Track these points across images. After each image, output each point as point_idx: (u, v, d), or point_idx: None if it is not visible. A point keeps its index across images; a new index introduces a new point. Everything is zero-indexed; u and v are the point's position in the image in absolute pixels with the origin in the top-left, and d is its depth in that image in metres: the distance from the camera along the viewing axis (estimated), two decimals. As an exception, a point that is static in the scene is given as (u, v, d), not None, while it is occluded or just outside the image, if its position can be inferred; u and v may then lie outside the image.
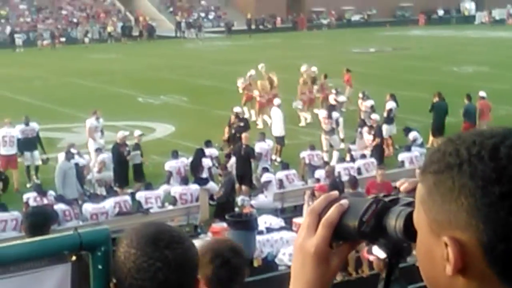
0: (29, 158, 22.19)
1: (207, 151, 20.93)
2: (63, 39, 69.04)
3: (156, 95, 36.66)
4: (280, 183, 19.66)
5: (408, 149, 21.99)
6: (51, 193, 17.73)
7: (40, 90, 39.47)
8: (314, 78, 30.66)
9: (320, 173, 19.40)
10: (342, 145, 24.08)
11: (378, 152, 22.07)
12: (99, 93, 37.47)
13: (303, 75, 30.67)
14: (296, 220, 16.75)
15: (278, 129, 24.52)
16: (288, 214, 18.66)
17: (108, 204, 17.38)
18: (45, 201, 16.87)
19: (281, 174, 19.98)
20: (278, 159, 23.27)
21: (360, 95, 26.70)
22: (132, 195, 18.55)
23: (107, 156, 20.88)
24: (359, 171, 20.38)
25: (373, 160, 21.34)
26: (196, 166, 20.07)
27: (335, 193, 1.76)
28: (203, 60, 51.38)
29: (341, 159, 21.71)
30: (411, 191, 1.68)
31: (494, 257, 1.41)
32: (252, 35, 72.61)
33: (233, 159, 21.07)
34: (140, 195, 18.14)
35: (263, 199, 19.07)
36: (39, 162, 22.19)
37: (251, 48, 58.41)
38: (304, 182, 20.27)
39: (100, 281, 2.66)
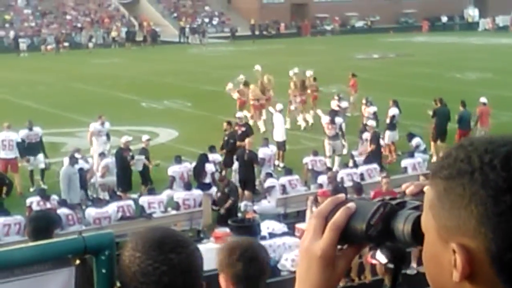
0: (33, 163, 22.21)
1: (211, 156, 20.92)
2: (67, 44, 69.10)
3: (160, 100, 36.68)
4: (283, 189, 19.65)
5: (411, 155, 21.96)
6: (54, 197, 17.75)
7: (44, 94, 39.51)
8: (303, 81, 30.77)
9: (323, 179, 19.39)
10: (345, 151, 24.06)
11: (375, 158, 22.05)
12: (103, 98, 37.49)
13: (292, 79, 30.80)
14: (299, 225, 16.73)
15: (279, 134, 24.52)
16: (291, 219, 18.64)
17: (111, 208, 17.38)
18: (48, 206, 16.87)
19: (284, 180, 19.97)
20: (281, 165, 23.26)
21: (364, 101, 26.72)
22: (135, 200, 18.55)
23: (110, 160, 20.89)
24: (362, 177, 20.36)
25: (376, 166, 21.32)
26: (199, 171, 20.07)
27: (342, 196, 1.75)
28: (206, 65, 51.40)
29: (344, 165, 21.70)
30: (417, 194, 1.68)
31: (502, 265, 1.41)
32: (255, 41, 72.62)
33: (236, 164, 21.07)
34: (143, 200, 18.13)
35: (266, 204, 19.06)
36: (43, 166, 22.20)
37: (254, 54, 58.39)
38: (307, 187, 20.26)
39: (104, 285, 2.66)
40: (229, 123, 23.31)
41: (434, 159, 23.69)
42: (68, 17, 78.21)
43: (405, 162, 21.63)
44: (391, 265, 1.57)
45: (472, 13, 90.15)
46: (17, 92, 40.42)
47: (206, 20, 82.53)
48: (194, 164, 20.40)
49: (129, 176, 20.69)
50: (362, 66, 46.14)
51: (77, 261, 2.75)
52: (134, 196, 19.36)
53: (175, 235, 2.66)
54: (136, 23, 78.65)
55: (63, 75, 48.17)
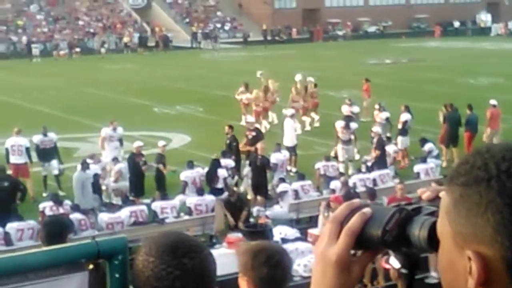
0: (47, 168, 22.29)
1: (223, 161, 20.93)
2: (79, 50, 69.32)
3: (172, 105, 36.74)
4: (296, 194, 19.63)
5: (424, 160, 21.92)
6: (67, 202, 17.79)
7: (56, 100, 39.63)
8: (306, 87, 30.86)
9: (335, 184, 19.36)
10: (357, 156, 24.03)
11: (380, 164, 22.04)
12: (115, 103, 37.58)
13: (296, 84, 30.89)
14: (311, 231, 16.70)
15: (289, 139, 24.53)
16: (303, 225, 18.62)
17: (124, 213, 17.40)
18: (61, 211, 16.91)
19: (296, 185, 19.95)
20: (293, 170, 23.25)
21: (377, 106, 26.70)
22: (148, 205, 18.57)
23: (123, 166, 20.93)
24: (374, 182, 20.32)
25: (388, 171, 21.30)
26: (211, 176, 20.08)
27: (358, 201, 1.74)
28: (219, 70, 51.47)
29: (357, 170, 21.69)
30: (433, 200, 1.67)
31: None
32: (267, 46, 72.69)
33: (248, 169, 21.08)
34: (156, 205, 18.14)
35: (279, 209, 19.04)
36: (56, 172, 22.25)
37: (266, 59, 58.46)
38: (319, 193, 20.24)
39: (117, 289, 2.66)
40: (230, 126, 23.35)
41: (444, 164, 23.70)
42: (80, 22, 78.46)
43: (418, 168, 21.59)
44: (404, 271, 1.57)
45: (484, 18, 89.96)
46: (30, 97, 40.57)
47: (218, 25, 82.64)
48: (206, 169, 20.42)
49: (141, 181, 20.75)
50: (374, 71, 46.08)
51: (91, 266, 2.75)
52: (147, 201, 19.38)
53: (188, 240, 2.66)
54: (148, 29, 78.83)
55: (76, 80, 48.31)
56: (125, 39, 73.45)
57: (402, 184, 17.67)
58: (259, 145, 21.54)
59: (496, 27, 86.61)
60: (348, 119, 25.05)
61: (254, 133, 23.40)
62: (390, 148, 22.78)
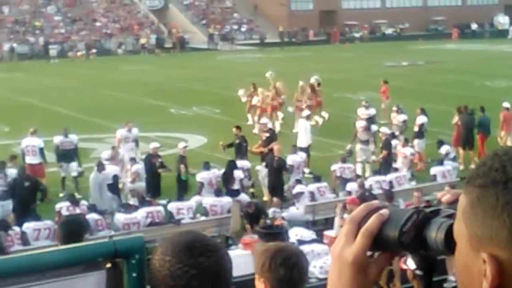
0: (66, 169, 22.40)
1: (239, 163, 20.94)
2: (96, 51, 69.54)
3: (189, 106, 36.79)
4: (312, 196, 19.61)
5: (441, 163, 21.85)
6: (84, 202, 17.85)
7: (74, 100, 39.77)
8: (313, 85, 31.02)
9: (351, 186, 19.34)
10: (374, 158, 23.99)
11: (386, 165, 22.02)
12: (132, 104, 37.67)
13: (305, 84, 31.23)
14: (327, 232, 16.69)
15: (303, 140, 24.51)
16: (319, 226, 18.61)
17: (140, 214, 17.44)
18: (78, 211, 16.96)
19: (312, 187, 19.94)
20: (307, 171, 23.21)
21: (395, 108, 26.65)
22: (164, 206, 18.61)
23: (140, 166, 20.98)
24: (391, 184, 20.29)
25: (405, 173, 21.26)
26: (227, 177, 20.10)
27: (376, 202, 1.74)
28: (235, 72, 51.48)
29: (373, 172, 21.67)
30: (453, 203, 1.66)
31: None
32: (284, 48, 72.65)
33: (264, 171, 21.08)
34: (172, 206, 18.18)
35: (295, 211, 19.03)
36: (75, 174, 22.34)
37: (283, 61, 58.43)
38: (335, 195, 20.21)
39: (134, 289, 2.67)
40: (238, 127, 23.39)
41: (462, 166, 23.65)
42: (97, 23, 78.70)
43: (435, 170, 21.53)
44: (420, 272, 1.56)
45: (502, 20, 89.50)
46: (47, 97, 40.73)
47: (235, 27, 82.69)
48: (222, 170, 20.45)
49: (158, 182, 20.80)
50: (391, 73, 45.93)
51: (108, 265, 2.76)
52: (163, 202, 19.42)
53: (205, 239, 2.67)
54: (165, 30, 78.98)
55: (93, 81, 48.48)
56: (142, 40, 73.65)
57: (420, 192, 17.61)
58: (275, 147, 21.56)
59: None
60: (369, 121, 25.08)
61: (268, 134, 23.42)
62: (407, 151, 22.72)
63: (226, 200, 18.66)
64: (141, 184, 20.65)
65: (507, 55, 62.60)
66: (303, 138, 24.63)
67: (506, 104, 25.97)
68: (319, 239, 16.34)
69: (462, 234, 1.50)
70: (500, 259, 1.41)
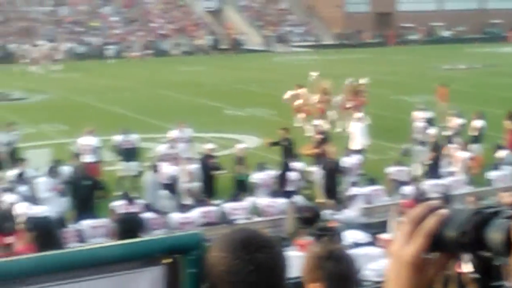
0: (125, 168, 22.62)
1: (294, 164, 20.93)
2: (152, 51, 70.05)
3: (244, 107, 36.86)
4: (367, 198, 19.52)
5: (498, 167, 21.58)
6: (139, 201, 17.98)
7: (130, 100, 40.11)
8: (355, 87, 31.07)
9: (406, 189, 19.20)
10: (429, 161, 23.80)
11: (434, 167, 21.82)
12: (187, 104, 37.89)
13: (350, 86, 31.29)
14: (381, 236, 16.58)
15: (357, 142, 24.38)
16: (374, 229, 18.47)
17: (195, 214, 17.52)
18: (133, 209, 17.09)
19: (367, 189, 19.84)
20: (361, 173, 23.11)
21: (452, 111, 26.41)
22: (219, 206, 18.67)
23: (196, 166, 21.09)
24: (447, 188, 20.09)
25: (461, 177, 21.04)
26: (282, 179, 20.11)
27: (435, 202, 1.74)
28: (290, 74, 51.42)
29: (426, 175, 21.52)
30: None
31: None
32: (339, 50, 72.37)
33: (319, 173, 21.03)
34: (227, 206, 18.23)
35: (349, 213, 18.95)
36: (134, 173, 22.53)
37: (338, 63, 58.25)
38: (390, 197, 20.08)
39: (192, 285, 2.69)
40: (285, 129, 23.40)
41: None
42: (153, 24, 79.27)
43: (491, 174, 21.27)
44: (477, 275, 1.54)
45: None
46: (104, 97, 41.16)
47: (290, 29, 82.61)
48: (277, 171, 20.46)
49: (212, 182, 20.88)
50: (448, 76, 45.51)
51: (166, 260, 2.78)
52: (218, 202, 19.49)
53: (261, 236, 2.69)
54: (221, 31, 79.23)
55: (148, 81, 48.86)
56: (198, 42, 73.96)
57: (474, 196, 17.41)
58: (330, 148, 21.51)
59: None
60: (429, 122, 24.95)
61: (321, 136, 23.37)
62: (464, 155, 22.48)
63: (281, 201, 18.66)
64: (197, 184, 20.75)
65: None
66: (357, 140, 24.50)
67: None
68: (374, 242, 16.24)
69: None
70: None
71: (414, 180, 20.42)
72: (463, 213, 1.65)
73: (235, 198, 18.91)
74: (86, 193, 18.49)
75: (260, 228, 17.74)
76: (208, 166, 20.88)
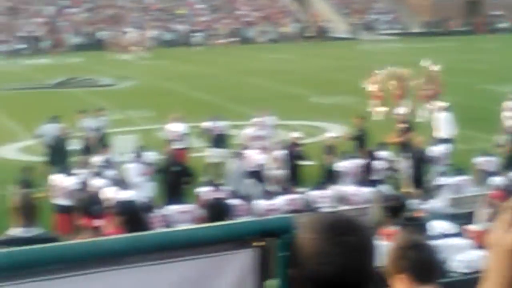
0: (214, 155, 22.83)
1: (380, 153, 20.79)
2: (238, 39, 70.42)
3: (329, 95, 36.79)
4: (454, 188, 19.26)
5: None
6: (225, 188, 18.11)
7: (215, 88, 40.44)
8: (431, 73, 30.67)
9: (494, 180, 18.87)
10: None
11: (509, 159, 21.40)
12: (272, 92, 37.99)
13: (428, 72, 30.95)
14: (469, 226, 16.34)
15: (444, 131, 24.05)
16: (461, 220, 18.22)
17: (280, 201, 17.55)
18: (219, 195, 17.21)
19: (455, 179, 19.57)
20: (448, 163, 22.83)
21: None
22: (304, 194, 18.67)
23: (281, 154, 21.14)
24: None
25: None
26: (368, 168, 20.00)
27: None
28: (377, 62, 51.00)
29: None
30: None
31: None
32: (427, 38, 71.48)
33: (405, 162, 20.84)
34: (312, 194, 18.22)
35: (436, 203, 18.73)
36: (220, 160, 22.70)
37: (425, 51, 57.41)
38: (478, 188, 19.76)
39: (283, 268, 2.68)
40: (360, 117, 23.24)
41: None
42: (239, 12, 79.65)
43: None
44: None
45: None
46: (190, 84, 41.60)
47: (377, 16, 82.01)
48: (363, 160, 20.36)
49: (298, 170, 20.90)
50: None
51: (257, 243, 2.78)
52: (303, 190, 19.49)
53: (350, 219, 2.68)
54: (307, 19, 79.13)
55: (234, 69, 49.17)
56: (283, 29, 74.04)
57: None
58: (416, 137, 21.30)
59: None
60: None
61: (405, 125, 23.16)
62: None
63: (366, 190, 18.56)
64: (282, 172, 20.80)
65: None
66: (443, 129, 24.18)
67: None
68: (461, 233, 16.02)
69: None
70: None
71: (505, 170, 20.07)
72: None
73: (320, 186, 18.88)
74: (174, 179, 18.74)
75: (345, 216, 17.73)
76: (294, 154, 20.91)
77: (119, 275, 2.63)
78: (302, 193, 18.80)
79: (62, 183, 17.64)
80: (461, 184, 19.52)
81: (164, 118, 25.06)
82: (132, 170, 19.34)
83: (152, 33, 70.15)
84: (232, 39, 69.72)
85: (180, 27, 74.17)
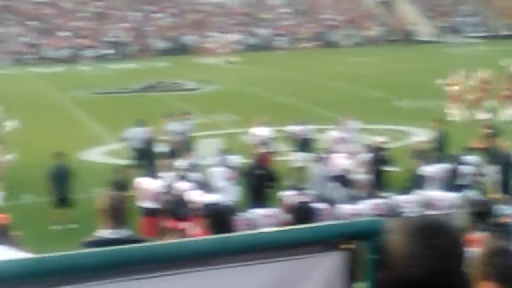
0: (299, 159, 22.86)
1: (467, 158, 20.46)
2: (321, 43, 70.28)
3: (413, 99, 36.37)
4: (544, 194, 18.84)
5: None
6: (309, 192, 18.06)
7: (298, 92, 40.41)
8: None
9: None
10: None
11: None
12: (355, 96, 37.82)
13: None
14: (558, 233, 15.94)
15: None
16: (550, 226, 17.81)
17: (365, 206, 17.42)
18: (304, 199, 17.17)
19: (543, 184, 19.16)
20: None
21: None
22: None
23: (366, 158, 21.01)
24: None
25: None
26: (454, 173, 19.71)
27: None
28: (462, 65, 50.25)
29: None
30: None
31: None
32: (514, 41, 70.16)
33: (491, 167, 20.48)
34: (396, 199, 18.04)
35: (524, 209, 18.35)
36: (300, 164, 22.69)
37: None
38: None
39: (372, 271, 2.66)
40: (438, 120, 22.86)
41: None
42: (323, 16, 79.47)
43: None
44: None
45: None
46: (273, 88, 41.66)
47: (463, 19, 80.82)
48: (449, 165, 20.08)
49: (383, 174, 20.73)
50: None
51: (346, 246, 2.77)
52: (388, 194, 19.31)
53: (441, 222, 2.66)
54: (391, 22, 78.49)
55: (317, 73, 49.07)
56: (368, 33, 73.60)
57: None
58: (502, 142, 20.91)
59: None
60: None
61: (490, 130, 22.74)
62: None
63: (453, 195, 18.29)
64: (367, 176, 20.65)
65: None
66: None
67: None
68: (550, 239, 15.65)
69: None
70: None
71: None
72: None
73: (405, 191, 18.67)
74: (258, 183, 18.79)
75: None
76: (378, 158, 20.75)
77: (207, 276, 2.65)
78: (386, 197, 18.63)
79: (148, 186, 17.86)
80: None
81: (247, 122, 25.18)
82: (217, 174, 19.46)
83: (235, 37, 70.54)
84: (316, 43, 69.58)
85: (264, 31, 74.42)
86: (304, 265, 2.74)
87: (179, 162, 20.32)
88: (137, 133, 23.81)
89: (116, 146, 27.02)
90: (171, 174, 18.73)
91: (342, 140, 23.24)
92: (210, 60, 59.77)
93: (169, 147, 23.64)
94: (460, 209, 17.87)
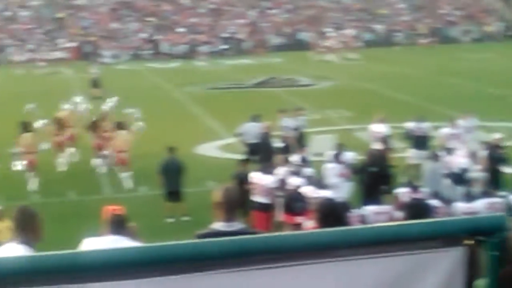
0: (416, 156, 22.56)
1: None
2: (440, 38, 69.22)
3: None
4: None
5: None
6: (424, 189, 17.80)
7: (415, 88, 39.91)
8: None
9: None
10: None
11: None
12: (473, 92, 37.12)
13: None
14: None
15: None
16: None
17: (480, 204, 17.06)
18: (418, 196, 16.94)
19: None
20: None
21: None
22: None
23: (483, 156, 20.58)
24: None
25: None
26: None
27: None
28: None
29: None
30: None
31: None
32: None
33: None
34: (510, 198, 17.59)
35: None
36: (416, 162, 22.41)
37: None
38: None
39: (494, 267, 2.61)
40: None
41: None
42: (441, 11, 78.23)
43: None
44: None
45: None
46: (390, 84, 41.27)
47: None
48: None
49: (499, 173, 20.27)
50: None
51: (468, 242, 2.71)
52: (505, 193, 18.84)
53: None
54: (511, 18, 76.61)
55: (436, 69, 48.34)
56: (487, 28, 72.06)
57: None
58: None
59: None
60: None
61: None
62: None
63: None
64: (483, 174, 20.21)
65: None
66: None
67: None
68: None
69: None
70: None
71: None
72: None
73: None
74: (372, 179, 18.65)
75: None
76: (496, 156, 20.27)
77: (327, 267, 2.64)
78: (503, 197, 18.18)
79: (262, 181, 17.93)
80: None
81: (362, 118, 25.02)
82: (331, 170, 19.40)
83: (352, 33, 70.20)
84: (434, 39, 68.57)
85: (380, 27, 73.80)
86: (425, 260, 2.70)
87: (293, 158, 20.35)
88: (252, 128, 23.94)
89: (230, 140, 27.26)
90: (285, 169, 18.76)
91: (455, 137, 22.82)
92: (326, 56, 59.66)
93: (283, 142, 23.69)
94: None
